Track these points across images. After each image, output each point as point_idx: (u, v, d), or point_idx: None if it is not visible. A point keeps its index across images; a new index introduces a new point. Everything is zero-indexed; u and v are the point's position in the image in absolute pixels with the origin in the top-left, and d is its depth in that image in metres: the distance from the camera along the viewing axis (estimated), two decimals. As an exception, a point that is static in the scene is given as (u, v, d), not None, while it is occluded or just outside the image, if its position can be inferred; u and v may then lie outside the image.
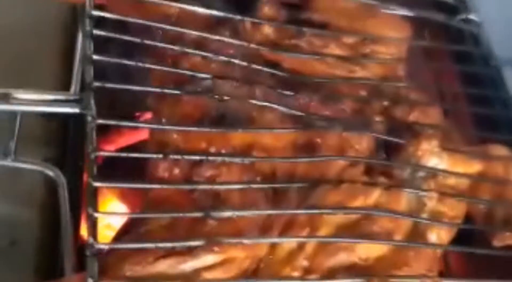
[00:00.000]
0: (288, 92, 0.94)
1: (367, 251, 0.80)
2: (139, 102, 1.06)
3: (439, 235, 0.85)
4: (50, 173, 0.89)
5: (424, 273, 0.80)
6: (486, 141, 1.00)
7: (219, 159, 0.84)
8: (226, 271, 0.76)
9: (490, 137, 1.01)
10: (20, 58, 1.02)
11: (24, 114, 0.87)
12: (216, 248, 0.76)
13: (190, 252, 0.76)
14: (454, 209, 0.87)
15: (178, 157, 0.82)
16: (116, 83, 0.85)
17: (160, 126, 0.84)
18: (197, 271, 0.75)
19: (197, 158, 0.83)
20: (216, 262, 0.76)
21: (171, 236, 0.77)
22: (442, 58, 1.07)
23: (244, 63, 0.95)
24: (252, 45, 0.97)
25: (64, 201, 0.86)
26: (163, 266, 0.75)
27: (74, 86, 0.88)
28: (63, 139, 0.96)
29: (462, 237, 0.88)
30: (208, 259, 0.76)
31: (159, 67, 0.91)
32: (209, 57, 0.93)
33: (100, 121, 0.81)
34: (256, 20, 1.00)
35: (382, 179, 0.88)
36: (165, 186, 0.81)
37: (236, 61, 0.94)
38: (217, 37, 0.95)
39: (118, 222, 0.84)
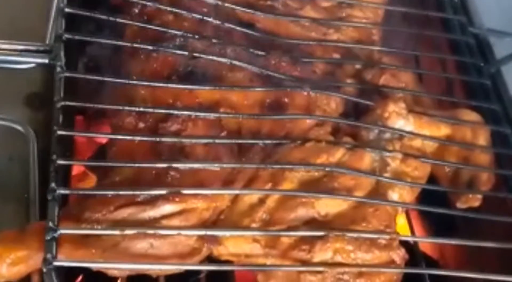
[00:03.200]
0: (259, 52, 0.95)
1: (326, 207, 0.81)
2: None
3: (401, 195, 0.86)
4: (20, 128, 0.90)
5: (382, 229, 0.81)
6: (459, 106, 1.00)
7: (185, 113, 0.85)
8: (185, 220, 0.78)
9: (463, 103, 1.02)
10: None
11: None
12: (176, 198, 0.77)
13: (150, 201, 0.77)
14: (418, 170, 0.88)
15: (144, 109, 0.84)
16: (86, 36, 0.87)
17: (127, 81, 0.85)
18: (157, 220, 0.77)
19: (162, 111, 0.84)
20: (175, 212, 0.77)
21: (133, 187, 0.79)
22: (419, 24, 1.07)
23: (218, 22, 0.95)
24: (227, 5, 0.98)
25: (33, 154, 0.87)
26: (123, 214, 0.77)
27: (49, 39, 0.89)
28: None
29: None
30: (167, 208, 0.77)
31: (131, 22, 0.92)
32: (182, 14, 0.94)
33: (67, 74, 0.83)
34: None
35: (347, 139, 0.89)
36: (128, 137, 0.82)
37: (210, 19, 0.95)
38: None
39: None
